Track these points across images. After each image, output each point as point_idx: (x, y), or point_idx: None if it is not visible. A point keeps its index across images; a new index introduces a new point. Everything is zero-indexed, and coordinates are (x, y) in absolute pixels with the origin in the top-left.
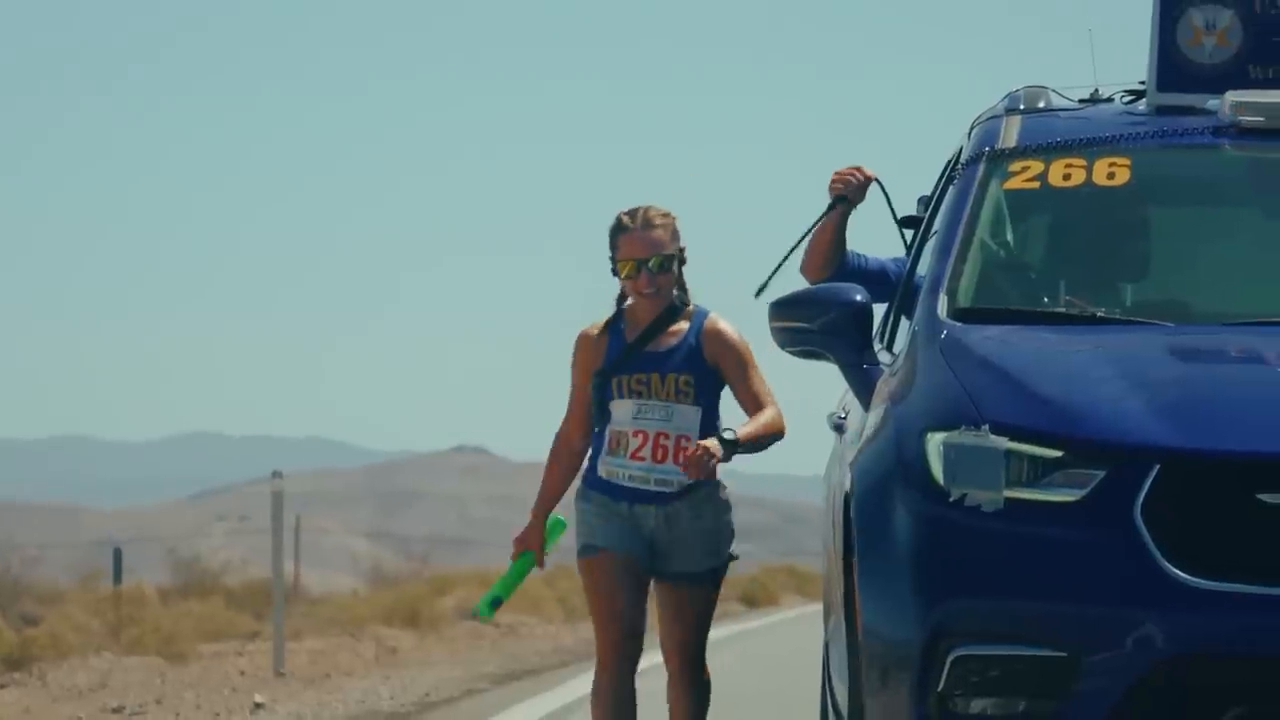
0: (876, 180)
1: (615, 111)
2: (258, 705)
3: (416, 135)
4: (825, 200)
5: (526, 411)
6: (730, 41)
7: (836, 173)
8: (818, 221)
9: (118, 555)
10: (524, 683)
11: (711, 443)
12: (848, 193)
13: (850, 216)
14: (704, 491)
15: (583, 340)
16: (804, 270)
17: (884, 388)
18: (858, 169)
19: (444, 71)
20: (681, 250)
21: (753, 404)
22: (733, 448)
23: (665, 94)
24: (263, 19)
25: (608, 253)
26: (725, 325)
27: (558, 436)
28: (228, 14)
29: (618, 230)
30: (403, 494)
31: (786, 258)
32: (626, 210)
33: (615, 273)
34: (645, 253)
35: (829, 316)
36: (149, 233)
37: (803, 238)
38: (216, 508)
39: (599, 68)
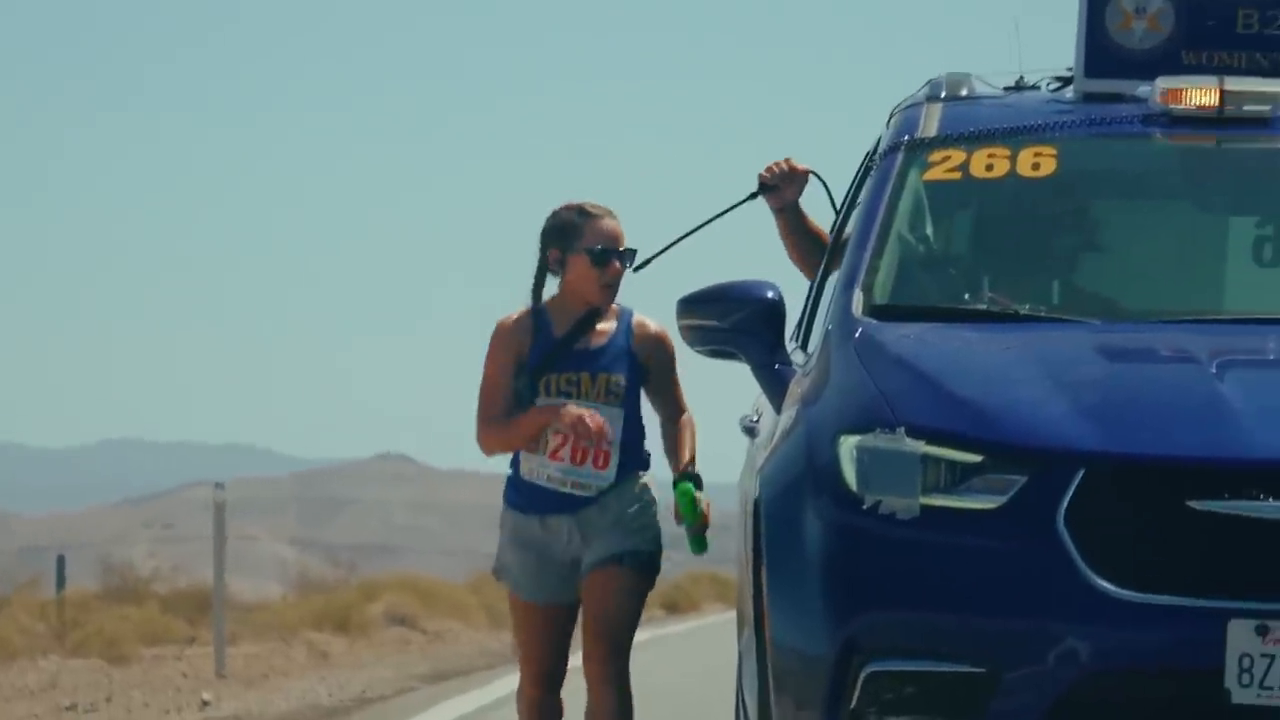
0: (814, 174)
1: (537, 109)
2: (205, 703)
3: (339, 143)
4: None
5: (449, 419)
6: (655, 28)
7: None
8: (731, 208)
9: (61, 562)
10: (453, 682)
11: (707, 504)
12: (773, 182)
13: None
14: (617, 490)
15: (502, 331)
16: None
17: (796, 389)
18: (785, 160)
19: (370, 84)
20: None
21: (675, 410)
22: (699, 485)
23: (579, 94)
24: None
25: (551, 246)
26: (655, 326)
27: (480, 426)
28: (126, 63)
29: (582, 218)
30: (327, 501)
31: (681, 240)
32: (574, 203)
33: (557, 266)
34: (618, 241)
35: (740, 314)
36: (70, 240)
37: (706, 222)
38: (141, 515)
39: (514, 66)
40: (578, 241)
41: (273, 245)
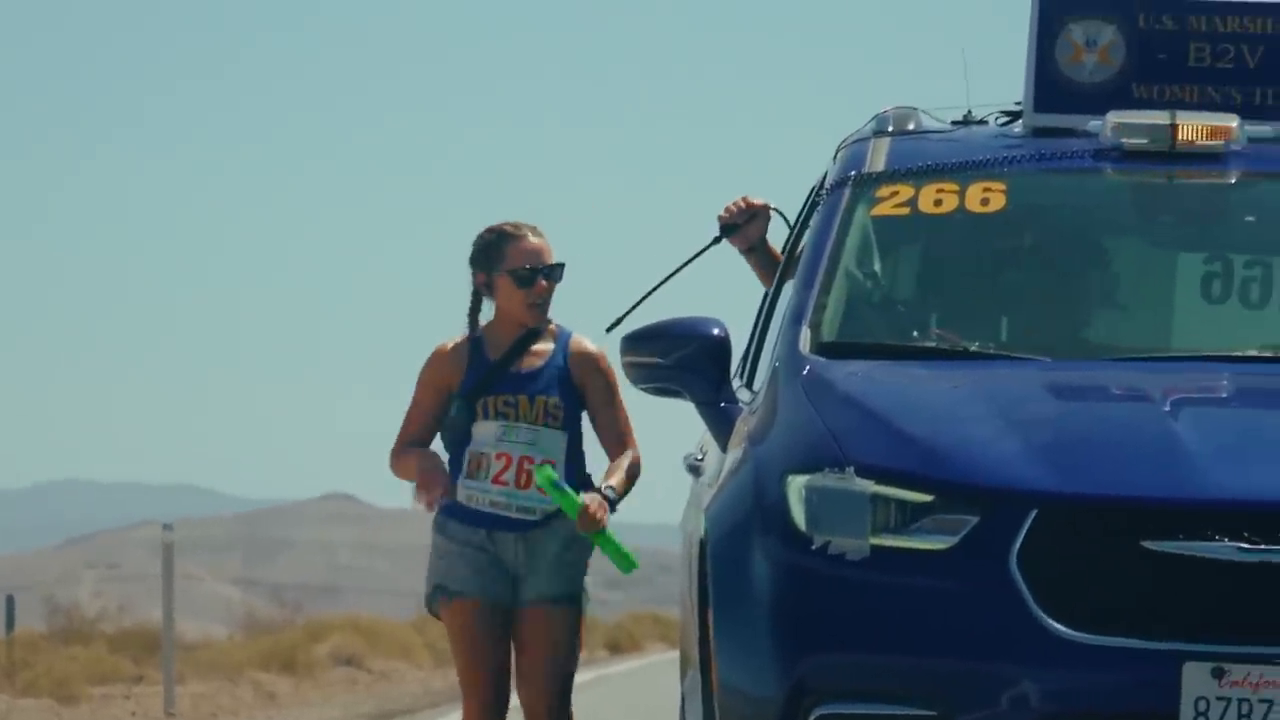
0: (773, 209)
1: (477, 140)
2: None
3: (280, 180)
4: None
5: None
6: (600, 62)
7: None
8: (696, 255)
9: (10, 602)
10: None
11: (597, 499)
12: (732, 222)
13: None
14: (564, 518)
15: (438, 356)
16: None
17: (743, 427)
18: (741, 199)
19: (317, 120)
20: None
21: (615, 441)
22: (614, 505)
23: (521, 122)
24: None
25: (477, 271)
26: (593, 347)
27: (394, 450)
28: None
29: (503, 240)
30: (271, 541)
31: (650, 294)
32: (495, 225)
33: (486, 289)
34: (542, 259)
35: (685, 351)
36: (8, 279)
37: (675, 272)
38: (86, 555)
39: (454, 94)
40: (500, 264)
41: (215, 284)
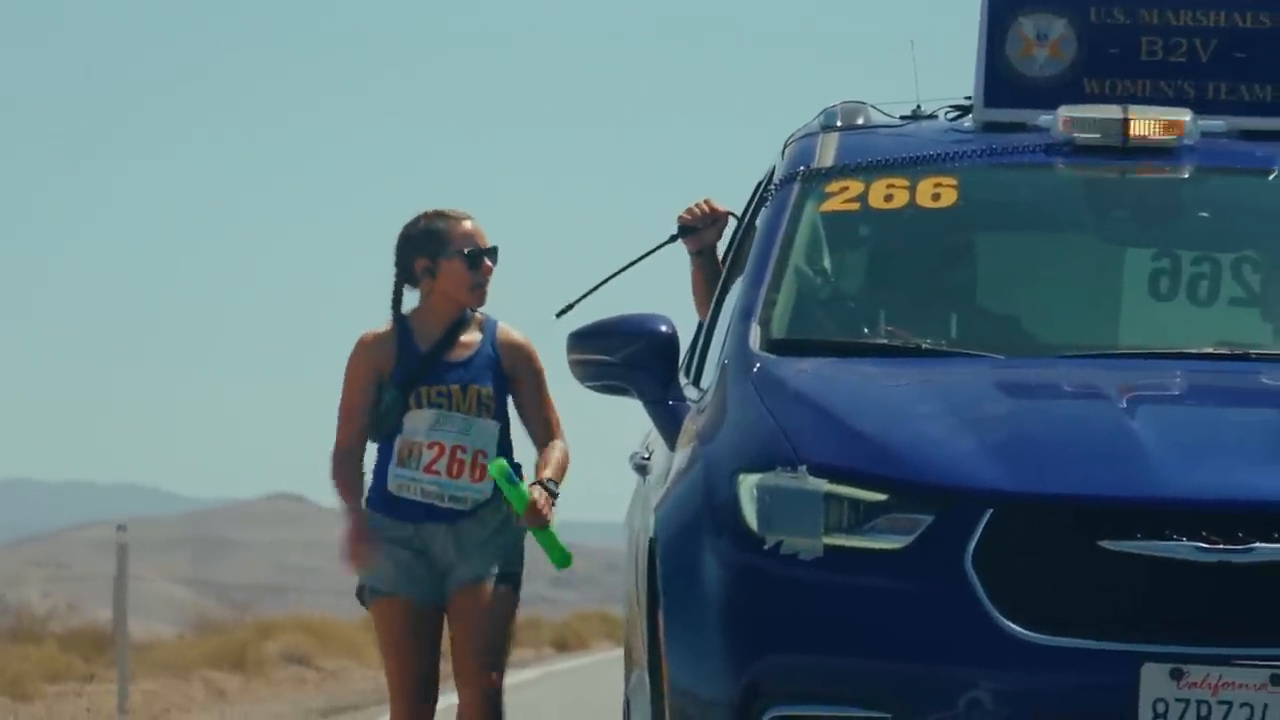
0: (735, 216)
1: (423, 141)
2: None
3: (223, 180)
4: (655, 231)
5: None
6: (551, 53)
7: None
8: (651, 251)
9: None
10: (347, 716)
11: (544, 495)
12: (693, 224)
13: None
14: (493, 509)
15: (365, 344)
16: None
17: (691, 425)
18: (705, 202)
19: (259, 120)
20: None
21: (544, 430)
22: (555, 499)
23: (468, 118)
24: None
25: (418, 256)
26: (520, 336)
27: (339, 451)
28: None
29: (445, 222)
30: (220, 541)
31: (602, 284)
32: (430, 210)
33: (426, 275)
34: (483, 240)
35: (632, 348)
36: None
37: (627, 266)
38: (33, 554)
39: (401, 95)
40: (447, 245)
41: (160, 284)
